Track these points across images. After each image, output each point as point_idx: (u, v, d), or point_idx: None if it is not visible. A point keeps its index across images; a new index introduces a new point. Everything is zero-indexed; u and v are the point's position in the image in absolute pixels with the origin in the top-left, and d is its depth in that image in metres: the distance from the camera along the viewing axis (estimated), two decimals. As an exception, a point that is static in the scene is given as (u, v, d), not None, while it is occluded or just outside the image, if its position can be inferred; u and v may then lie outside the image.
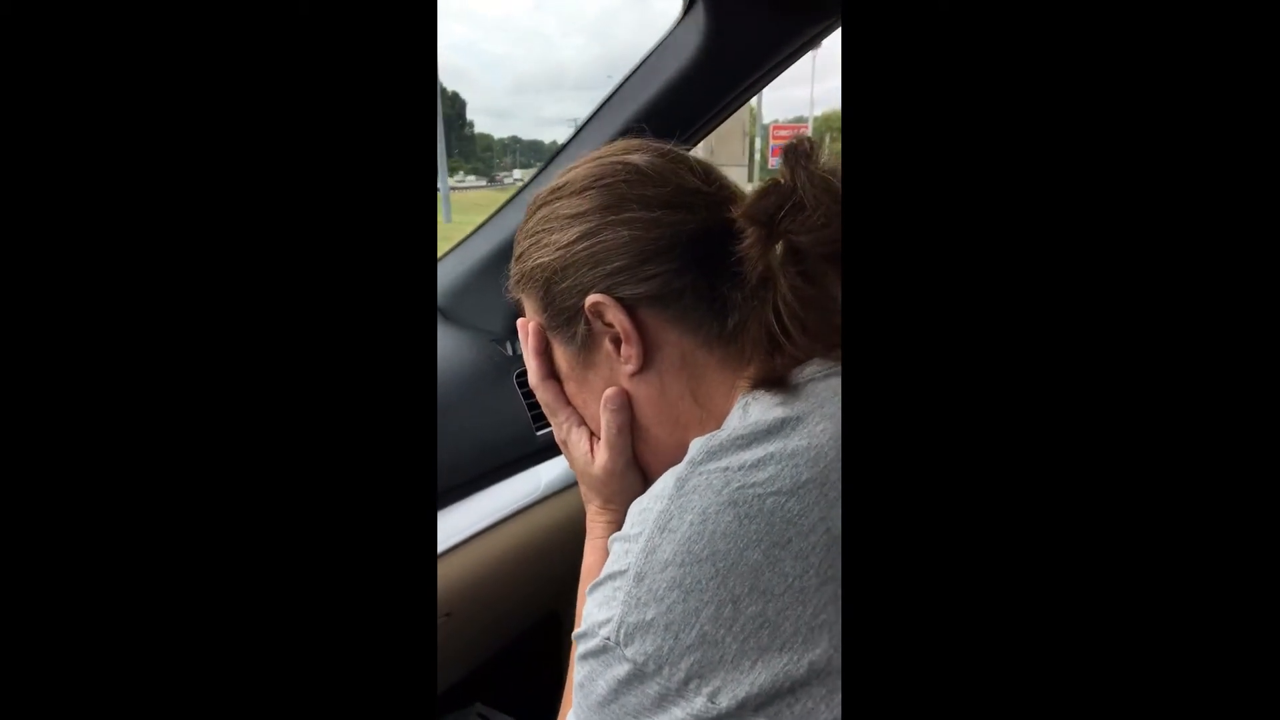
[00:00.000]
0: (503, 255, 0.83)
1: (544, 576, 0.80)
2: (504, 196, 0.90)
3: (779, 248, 0.38)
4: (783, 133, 13.94)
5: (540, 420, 0.77)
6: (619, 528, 0.49)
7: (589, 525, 0.50)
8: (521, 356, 0.82)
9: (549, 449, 0.77)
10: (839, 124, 0.36)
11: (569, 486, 0.76)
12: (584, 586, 0.49)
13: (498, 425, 0.75)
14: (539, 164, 0.83)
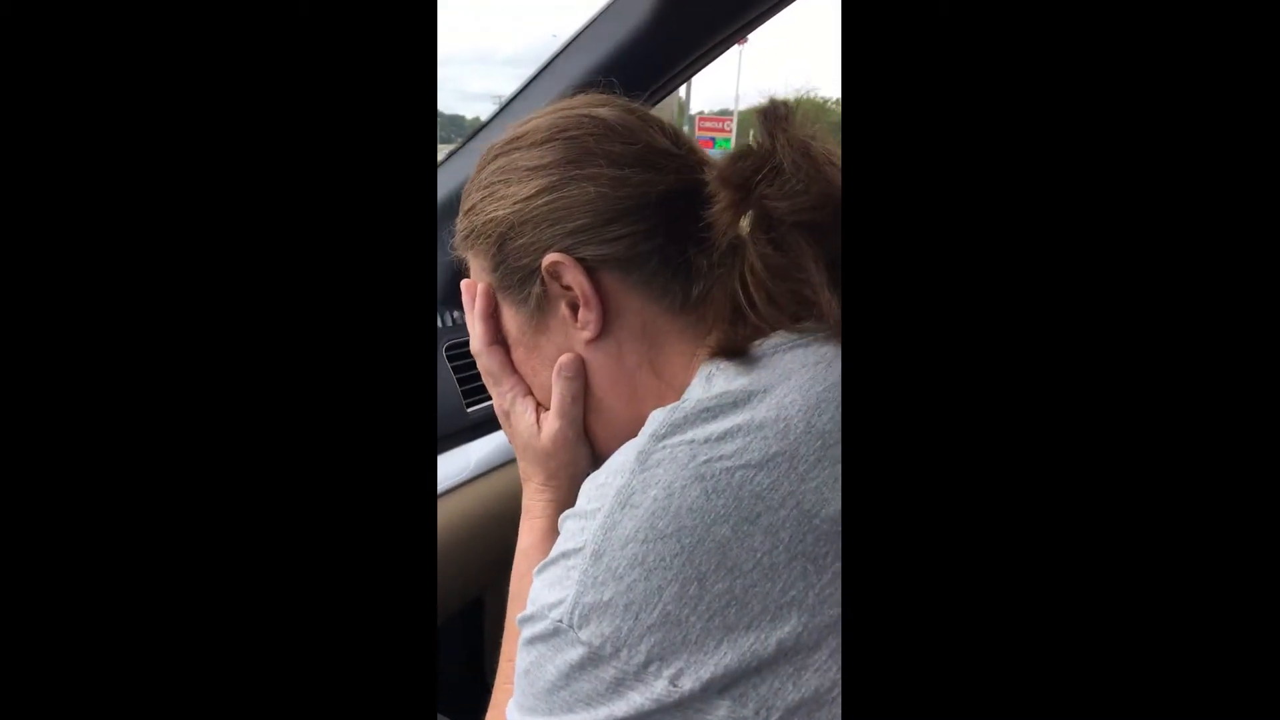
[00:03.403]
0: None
1: (471, 562, 0.76)
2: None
3: (750, 215, 0.36)
4: (708, 124, 14.01)
5: (472, 395, 0.73)
6: (559, 506, 0.46)
7: (526, 504, 0.47)
8: (451, 327, 0.78)
9: (480, 426, 0.73)
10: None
11: (500, 466, 0.73)
12: (521, 568, 0.46)
13: (425, 400, 0.70)
14: (459, 138, 0.79)
